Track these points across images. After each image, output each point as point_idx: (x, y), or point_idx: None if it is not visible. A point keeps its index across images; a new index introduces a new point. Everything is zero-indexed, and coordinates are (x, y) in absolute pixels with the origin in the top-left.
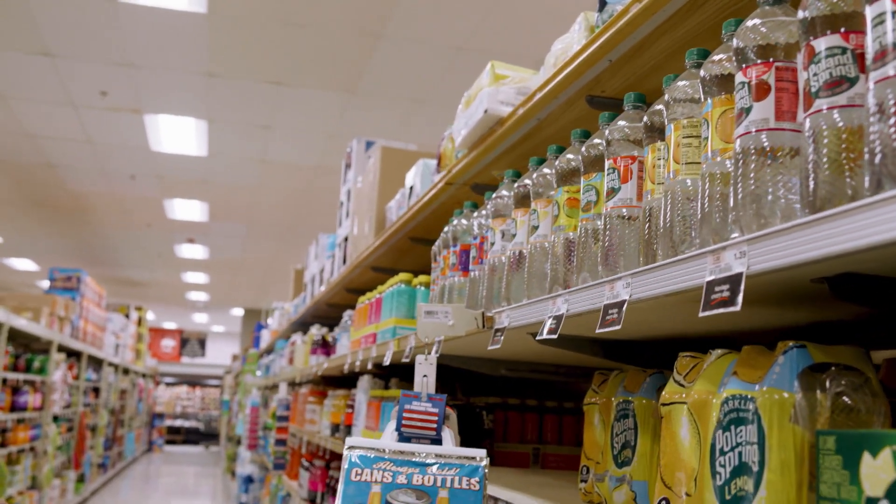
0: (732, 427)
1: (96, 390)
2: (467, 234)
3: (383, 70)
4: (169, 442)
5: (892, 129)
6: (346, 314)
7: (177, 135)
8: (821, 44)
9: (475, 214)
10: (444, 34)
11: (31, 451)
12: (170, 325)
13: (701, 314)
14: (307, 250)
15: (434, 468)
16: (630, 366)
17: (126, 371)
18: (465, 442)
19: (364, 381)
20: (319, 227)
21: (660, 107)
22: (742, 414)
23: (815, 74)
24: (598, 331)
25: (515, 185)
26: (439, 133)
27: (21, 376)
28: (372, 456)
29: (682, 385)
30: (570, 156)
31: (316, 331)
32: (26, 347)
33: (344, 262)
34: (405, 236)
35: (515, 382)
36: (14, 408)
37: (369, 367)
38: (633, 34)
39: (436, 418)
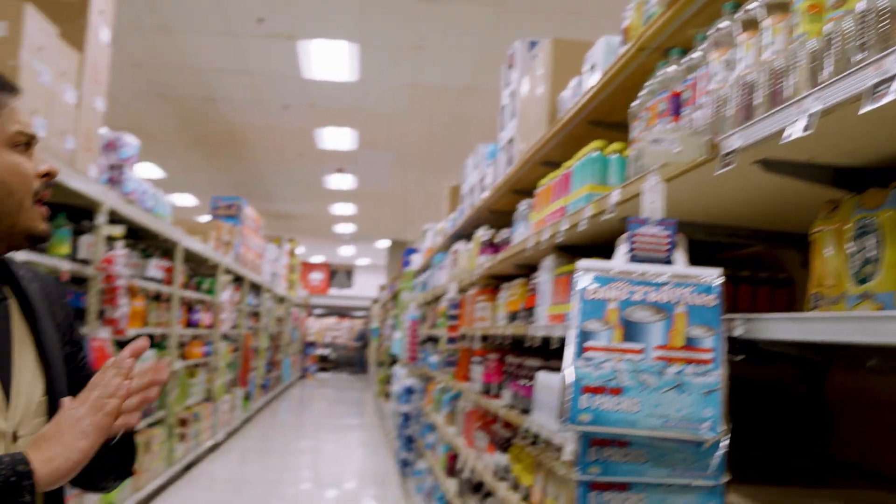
0: None
1: (256, 315)
2: (676, 81)
3: None
4: (320, 370)
5: None
6: (523, 203)
7: (329, 60)
8: None
9: (684, 60)
10: None
11: (205, 366)
12: (317, 258)
13: None
14: (458, 171)
15: (668, 287)
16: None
17: (281, 299)
18: None
19: (549, 261)
20: (469, 151)
21: None
22: None
23: None
24: (864, 110)
25: (737, 13)
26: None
27: (194, 295)
28: (605, 276)
29: None
30: None
31: (483, 232)
32: (194, 271)
33: (510, 163)
34: (583, 121)
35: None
36: (189, 324)
37: (559, 240)
38: None
39: (668, 240)
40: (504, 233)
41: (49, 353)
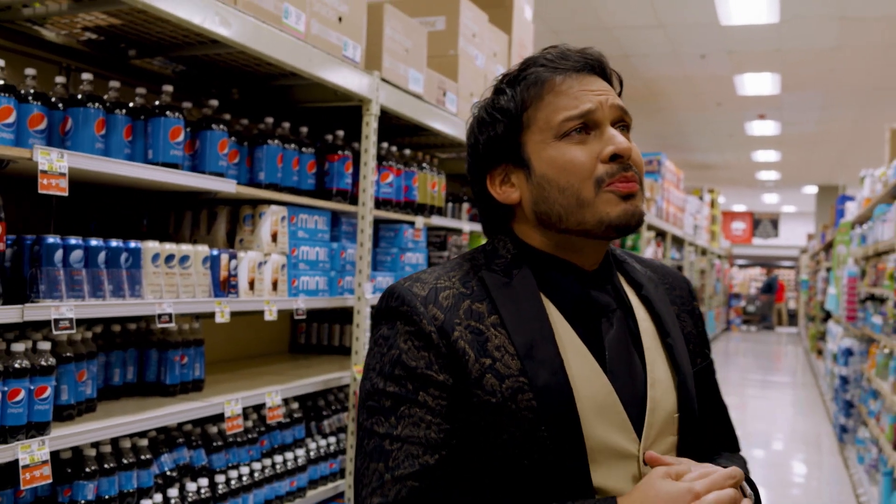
0: None
1: (680, 268)
2: None
3: None
4: (744, 322)
5: None
6: None
7: (747, 4)
8: None
9: None
10: None
11: None
12: (739, 207)
13: None
14: None
15: None
16: None
17: (703, 251)
18: None
19: None
20: None
21: None
22: None
23: None
24: None
25: None
26: None
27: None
28: None
29: None
30: None
31: None
32: None
33: None
34: None
35: None
36: None
37: None
38: None
39: None
40: None
41: (681, 364)
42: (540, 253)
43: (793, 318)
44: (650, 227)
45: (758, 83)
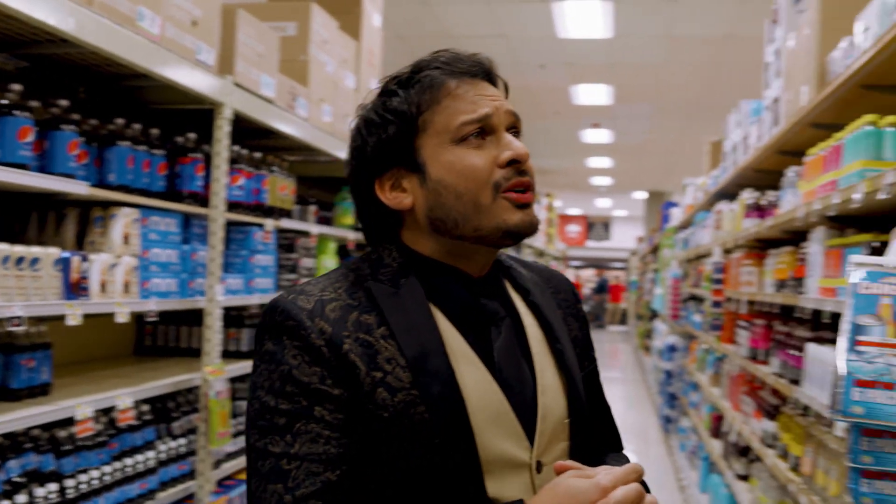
0: None
1: None
2: None
3: None
4: None
5: None
6: (791, 170)
7: (583, 19)
8: None
9: None
10: None
11: None
12: (574, 210)
13: None
14: (719, 125)
15: None
16: None
17: (541, 253)
18: None
19: (819, 232)
20: (730, 101)
21: None
22: None
23: None
24: None
25: None
26: None
27: None
28: (878, 272)
29: None
30: None
31: (748, 195)
32: None
33: (775, 123)
34: (855, 85)
35: None
36: None
37: (831, 213)
38: None
39: None
40: (770, 195)
41: (572, 370)
42: (427, 260)
43: (623, 317)
44: None
45: (593, 94)
